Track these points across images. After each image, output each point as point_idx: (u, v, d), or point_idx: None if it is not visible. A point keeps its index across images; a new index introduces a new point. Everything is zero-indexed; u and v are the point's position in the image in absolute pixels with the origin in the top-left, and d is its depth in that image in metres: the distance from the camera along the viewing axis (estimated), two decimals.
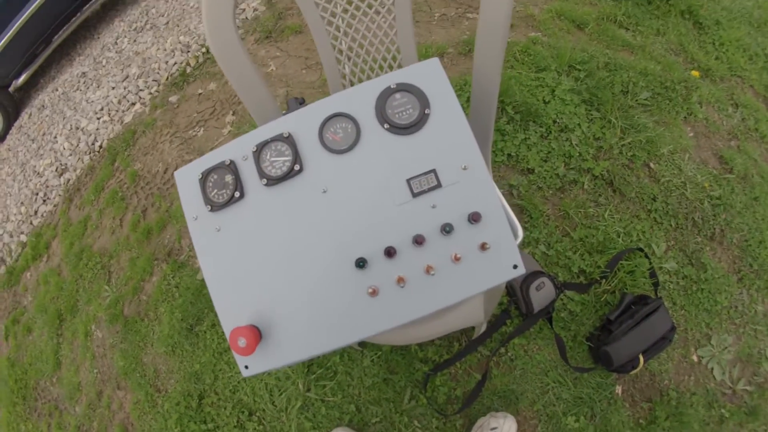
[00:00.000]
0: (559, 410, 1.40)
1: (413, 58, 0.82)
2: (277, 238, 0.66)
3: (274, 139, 0.66)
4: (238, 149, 0.68)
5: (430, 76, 0.67)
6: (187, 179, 0.70)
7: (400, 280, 0.63)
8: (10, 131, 3.78)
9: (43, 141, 3.29)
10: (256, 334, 0.63)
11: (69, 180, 2.83)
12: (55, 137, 3.17)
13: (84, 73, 3.55)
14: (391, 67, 0.84)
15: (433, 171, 0.65)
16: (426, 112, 0.66)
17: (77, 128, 3.03)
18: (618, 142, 1.82)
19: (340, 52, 0.81)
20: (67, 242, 2.49)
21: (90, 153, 2.84)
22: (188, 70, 2.80)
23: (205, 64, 2.79)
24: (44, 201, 2.90)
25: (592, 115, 1.88)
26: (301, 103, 0.71)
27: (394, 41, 0.79)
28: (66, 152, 2.96)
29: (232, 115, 2.42)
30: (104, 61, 3.44)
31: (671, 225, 1.68)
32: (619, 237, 1.61)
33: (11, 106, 3.77)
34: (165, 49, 2.98)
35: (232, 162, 0.67)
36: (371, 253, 0.64)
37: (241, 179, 0.67)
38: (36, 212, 2.89)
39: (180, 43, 2.96)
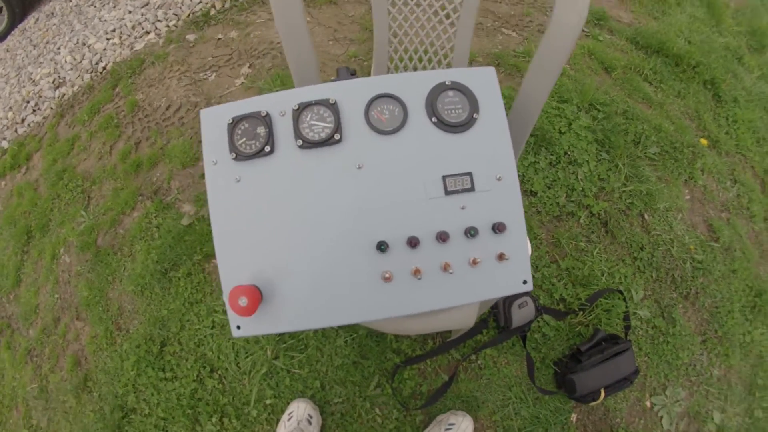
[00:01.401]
0: (515, 425, 1.44)
1: (464, 60, 0.82)
2: (299, 201, 0.64)
3: (318, 103, 0.64)
4: (277, 103, 0.66)
5: (485, 83, 0.68)
6: (213, 120, 0.67)
7: (417, 272, 0.64)
8: (12, 32, 3.60)
9: (45, 49, 3.13)
10: (258, 296, 0.62)
11: (64, 95, 2.71)
12: (59, 48, 3.02)
13: None
14: (439, 63, 0.84)
15: (470, 174, 0.66)
16: (474, 116, 0.66)
17: (84, 44, 2.90)
18: (620, 187, 1.87)
19: (395, 34, 0.80)
20: (50, 158, 2.39)
21: (92, 72, 2.72)
22: (212, 12, 2.70)
23: (231, 11, 2.70)
24: (34, 111, 2.78)
25: (601, 155, 1.93)
26: (353, 74, 0.70)
27: (451, 39, 0.79)
28: (67, 66, 2.83)
29: (249, 68, 2.36)
30: None
31: (652, 276, 1.74)
32: (602, 275, 1.67)
33: (19, 6, 3.59)
34: None
35: (268, 114, 0.65)
36: (394, 239, 0.64)
37: (275, 134, 0.65)
38: (23, 120, 2.76)
39: None
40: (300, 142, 0.64)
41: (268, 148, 0.64)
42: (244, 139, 0.65)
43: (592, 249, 1.72)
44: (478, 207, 0.66)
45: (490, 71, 0.68)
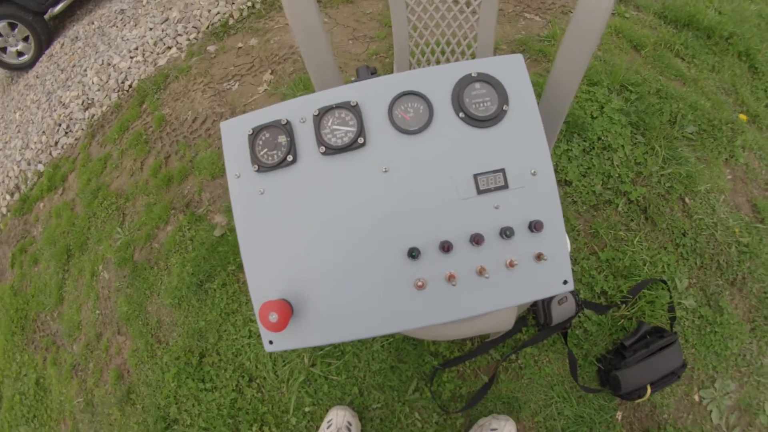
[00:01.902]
0: (558, 425, 1.39)
1: (489, 50, 0.78)
2: (325, 211, 0.62)
3: (339, 106, 0.62)
4: (297, 110, 0.64)
5: (514, 72, 0.64)
6: (234, 132, 0.66)
7: (451, 278, 0.60)
8: (41, 59, 3.76)
9: (72, 72, 3.26)
10: (289, 311, 0.61)
11: (94, 115, 2.81)
12: (85, 70, 3.14)
13: (123, 9, 3.49)
14: (463, 54, 0.80)
15: (502, 171, 0.62)
16: (504, 108, 0.62)
17: (109, 64, 3.00)
18: (658, 170, 1.77)
19: (415, 28, 0.77)
20: (85, 178, 2.48)
21: (119, 91, 2.81)
22: (231, 21, 2.75)
23: (249, 19, 2.74)
24: (66, 133, 2.89)
25: (636, 138, 1.83)
26: (373, 73, 0.67)
27: (474, 28, 0.75)
28: (94, 87, 2.94)
29: (270, 74, 2.38)
30: (145, 0, 3.39)
31: (696, 263, 1.64)
32: (644, 265, 1.58)
33: (44, 34, 3.74)
34: None
35: (288, 122, 0.64)
36: (425, 245, 0.61)
37: (296, 142, 0.63)
38: (57, 143, 2.87)
39: None
40: (323, 148, 0.62)
41: (290, 158, 0.62)
42: (265, 150, 0.63)
43: (632, 238, 1.63)
44: (513, 205, 0.63)
45: (518, 59, 0.64)
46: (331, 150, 0.61)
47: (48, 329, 2.18)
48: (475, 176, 0.62)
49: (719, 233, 1.70)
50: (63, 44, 3.68)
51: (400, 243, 0.61)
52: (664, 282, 1.53)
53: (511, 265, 0.61)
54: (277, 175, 0.63)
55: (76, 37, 3.63)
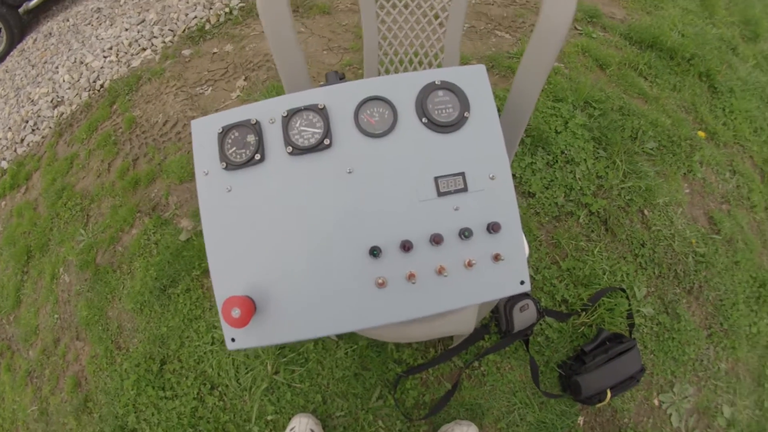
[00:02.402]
0: (521, 431, 1.42)
1: (455, 61, 0.81)
2: (290, 209, 0.63)
3: (307, 108, 0.64)
4: (266, 111, 0.66)
5: (476, 81, 0.67)
6: (204, 131, 0.67)
7: (411, 276, 0.62)
8: (11, 53, 3.65)
9: (43, 69, 3.16)
10: (251, 307, 0.61)
11: (63, 113, 2.72)
12: (57, 68, 3.05)
13: (99, 8, 3.43)
14: (430, 64, 0.83)
15: (462, 174, 0.65)
16: (465, 115, 0.65)
17: (81, 63, 2.93)
18: (618, 184, 1.86)
19: (384, 38, 0.80)
20: (50, 177, 2.40)
21: (90, 90, 2.74)
22: (207, 26, 2.73)
23: (226, 24, 2.73)
24: (33, 130, 2.79)
25: (599, 153, 1.92)
26: (342, 78, 0.69)
27: (441, 40, 0.79)
28: (65, 85, 2.86)
29: (244, 80, 2.37)
30: (122, 1, 3.34)
31: (654, 272, 1.72)
32: (604, 274, 1.65)
33: (17, 27, 3.63)
34: (188, 1, 2.90)
35: (257, 122, 0.65)
36: (387, 244, 0.63)
37: (264, 142, 0.65)
38: (22, 140, 2.77)
39: None
40: (290, 148, 0.63)
41: (258, 156, 0.63)
42: (234, 149, 0.64)
43: (592, 248, 1.70)
44: (472, 207, 0.65)
45: (480, 69, 0.68)
46: (298, 150, 0.63)
47: (3, 333, 2.08)
48: (436, 179, 0.64)
49: (677, 244, 1.78)
50: (36, 40, 3.58)
51: (362, 242, 0.63)
52: (623, 290, 1.59)
53: (470, 264, 0.63)
54: (245, 173, 0.64)
55: (50, 34, 3.53)
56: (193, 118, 2.23)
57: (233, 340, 0.64)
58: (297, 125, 0.63)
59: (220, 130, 0.65)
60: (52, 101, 2.82)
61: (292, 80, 0.79)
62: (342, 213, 0.63)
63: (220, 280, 0.64)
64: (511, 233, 0.66)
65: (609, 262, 1.68)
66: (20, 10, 3.58)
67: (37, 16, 3.88)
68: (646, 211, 1.84)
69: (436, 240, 0.63)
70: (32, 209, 2.35)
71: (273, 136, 0.64)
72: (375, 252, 0.62)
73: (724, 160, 2.16)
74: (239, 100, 2.27)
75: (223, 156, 0.65)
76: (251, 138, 0.64)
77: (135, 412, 1.55)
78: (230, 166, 0.64)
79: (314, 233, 0.63)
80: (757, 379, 1.68)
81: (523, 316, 1.36)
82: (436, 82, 0.65)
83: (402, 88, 0.65)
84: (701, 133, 2.20)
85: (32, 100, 2.93)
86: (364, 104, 0.64)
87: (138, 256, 1.87)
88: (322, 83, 0.68)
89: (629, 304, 1.57)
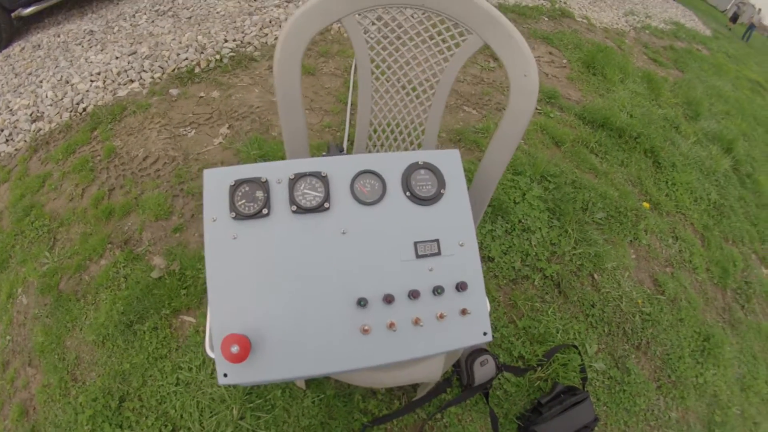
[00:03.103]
0: None
1: (433, 140, 0.96)
2: (289, 260, 0.72)
3: (312, 174, 0.74)
4: (275, 171, 0.75)
5: (451, 163, 0.81)
6: (216, 181, 0.75)
7: (392, 325, 0.72)
8: None
9: (26, 80, 3.12)
10: (249, 345, 0.68)
11: (41, 129, 2.68)
12: (41, 81, 3.02)
13: (92, 31, 3.47)
14: (412, 143, 0.97)
15: (437, 240, 0.77)
16: (441, 191, 0.79)
17: (67, 82, 2.92)
18: (570, 250, 2.05)
19: (375, 117, 0.93)
20: (18, 192, 2.33)
21: (72, 111, 2.73)
22: (197, 70, 2.83)
23: (215, 71, 2.83)
24: (7, 141, 2.71)
25: (553, 222, 2.13)
26: (341, 150, 0.81)
27: (423, 123, 0.93)
28: (47, 101, 2.83)
29: (228, 128, 2.45)
30: (116, 28, 3.41)
31: (604, 330, 1.88)
32: (558, 332, 1.78)
33: (7, 32, 3.59)
34: (180, 42, 3.01)
35: (267, 181, 0.75)
36: (372, 296, 0.73)
37: (271, 199, 0.74)
38: None
39: (197, 41, 3.00)
40: (294, 207, 0.73)
41: (265, 211, 0.72)
42: (243, 201, 0.73)
43: (546, 308, 1.84)
44: (444, 269, 0.77)
45: (455, 153, 0.82)
46: (301, 210, 0.73)
47: None
48: (415, 243, 0.76)
49: (624, 304, 1.96)
50: (23, 48, 3.55)
51: (351, 293, 0.72)
52: (576, 347, 1.72)
53: (441, 317, 0.74)
54: (251, 224, 0.73)
55: (39, 45, 3.52)
56: (174, 157, 2.31)
57: (225, 375, 0.70)
58: (301, 188, 0.74)
59: (233, 182, 0.74)
60: (31, 115, 2.78)
61: (293, 138, 0.90)
62: (335, 267, 0.73)
63: (218, 318, 0.71)
64: (476, 292, 0.78)
65: (562, 322, 1.82)
66: (13, 14, 3.57)
67: (28, 24, 3.86)
68: (595, 275, 2.02)
69: (414, 295, 0.73)
70: None
71: (279, 195, 0.74)
72: (362, 302, 0.71)
73: (667, 227, 2.42)
74: (221, 147, 2.34)
75: (232, 206, 0.73)
76: (260, 194, 0.73)
77: None
78: (239, 216, 0.73)
79: (309, 283, 0.72)
80: (707, 425, 1.81)
81: (483, 371, 1.45)
82: (419, 162, 0.78)
83: (391, 165, 0.78)
84: (646, 204, 2.47)
85: (11, 110, 2.87)
86: (360, 176, 0.76)
87: (105, 287, 1.83)
88: (324, 153, 0.80)
89: (581, 360, 1.70)
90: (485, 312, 0.78)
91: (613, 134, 2.78)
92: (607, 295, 1.97)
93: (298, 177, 0.74)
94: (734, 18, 13.00)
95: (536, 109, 2.85)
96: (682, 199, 2.64)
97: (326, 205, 0.74)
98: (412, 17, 0.84)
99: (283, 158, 2.28)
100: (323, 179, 0.74)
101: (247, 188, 0.74)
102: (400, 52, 0.86)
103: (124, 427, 1.50)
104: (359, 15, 0.82)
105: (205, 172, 0.76)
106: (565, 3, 4.74)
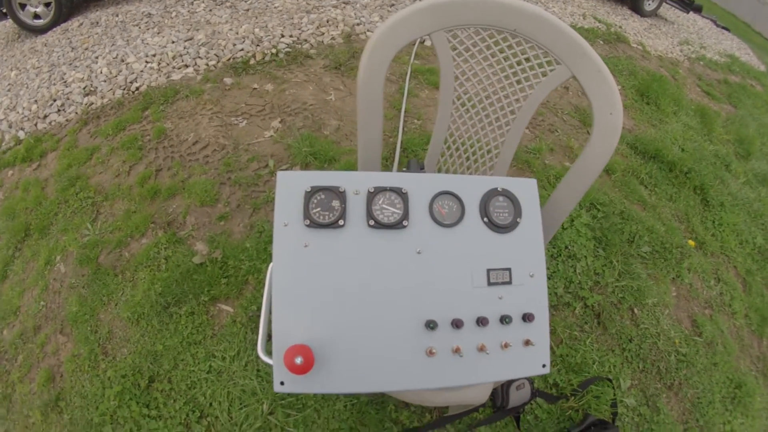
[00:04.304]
0: None
1: (506, 165, 0.94)
2: (361, 274, 0.71)
3: (392, 189, 0.73)
4: (353, 182, 0.74)
5: (528, 193, 0.79)
6: (290, 185, 0.74)
7: (457, 350, 0.71)
8: (55, 29, 3.69)
9: (83, 55, 3.21)
10: (312, 357, 0.67)
11: (92, 103, 2.75)
12: (97, 58, 3.10)
13: (150, 14, 3.56)
14: (484, 164, 0.95)
15: (509, 270, 0.75)
16: (518, 220, 0.77)
17: (122, 60, 3.00)
18: (613, 282, 1.99)
19: (451, 134, 0.92)
20: (66, 162, 2.40)
21: (125, 89, 2.79)
22: (252, 61, 2.86)
23: (270, 64, 2.86)
24: (59, 111, 2.79)
25: (598, 252, 2.07)
26: (422, 168, 0.80)
27: (498, 147, 0.91)
28: (101, 76, 2.91)
29: (280, 122, 2.46)
30: (174, 14, 3.49)
31: (639, 366, 1.82)
32: (594, 364, 1.73)
33: (67, 7, 3.72)
34: (237, 33, 3.06)
35: (344, 191, 0.73)
36: (441, 319, 0.71)
37: (347, 210, 0.73)
38: (45, 117, 2.77)
39: (254, 34, 3.04)
40: (372, 222, 0.72)
41: (341, 222, 0.71)
42: (319, 209, 0.72)
43: (585, 338, 1.80)
44: (513, 298, 0.75)
45: (533, 183, 0.80)
46: (378, 225, 0.72)
47: None
48: (488, 270, 0.74)
49: (661, 342, 1.89)
50: (81, 24, 3.66)
51: (421, 314, 0.71)
52: (610, 380, 1.68)
53: (506, 346, 0.73)
54: (325, 233, 0.72)
55: (97, 23, 3.62)
56: (224, 146, 2.34)
57: (282, 383, 0.69)
58: (380, 202, 0.73)
59: (309, 189, 0.73)
60: (84, 88, 2.85)
61: (368, 148, 0.88)
62: (407, 287, 0.71)
63: (281, 324, 0.70)
64: (541, 324, 0.77)
65: (599, 353, 1.77)
66: None
67: (87, 2, 3.99)
68: (636, 310, 1.95)
69: (483, 322, 0.72)
70: (40, 188, 2.33)
71: (356, 207, 0.73)
72: (432, 325, 0.70)
73: (710, 268, 2.33)
74: (272, 140, 2.36)
75: (307, 213, 0.72)
76: (336, 203, 0.72)
77: (112, 423, 1.50)
78: (313, 224, 0.72)
79: (379, 299, 0.71)
80: None
81: (518, 394, 1.42)
82: (499, 189, 0.76)
83: (471, 188, 0.76)
84: (691, 242, 2.38)
85: (65, 81, 2.96)
86: (439, 196, 0.74)
87: (144, 266, 1.86)
88: (405, 168, 0.79)
89: (614, 394, 1.65)
90: (547, 345, 0.76)
91: (663, 167, 2.70)
92: (646, 331, 1.91)
93: (378, 191, 0.73)
94: None
95: (589, 134, 2.79)
96: (728, 241, 2.53)
97: (404, 223, 0.72)
98: (503, 41, 0.82)
99: (334, 159, 2.31)
100: (403, 196, 0.73)
101: (323, 196, 0.73)
102: (485, 74, 0.84)
103: (152, 408, 1.52)
104: (449, 32, 0.80)
105: (279, 174, 0.75)
106: (620, 27, 4.61)
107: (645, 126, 3.05)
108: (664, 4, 5.88)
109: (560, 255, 1.99)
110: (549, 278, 1.92)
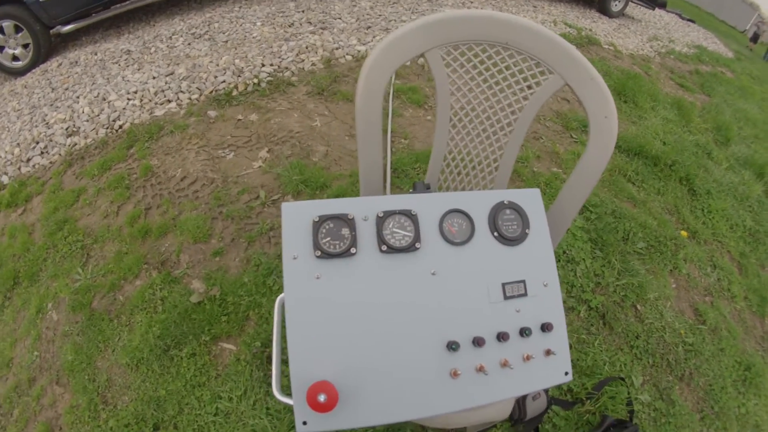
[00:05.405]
0: None
1: (506, 178, 0.94)
2: (377, 302, 0.70)
3: (401, 212, 0.73)
4: (361, 208, 0.73)
5: (533, 202, 0.79)
6: (297, 216, 0.72)
7: (481, 368, 0.70)
8: (34, 70, 3.67)
9: (63, 95, 3.17)
10: (336, 394, 0.64)
11: (76, 144, 2.70)
12: (78, 97, 3.07)
13: (129, 50, 3.55)
14: (484, 178, 0.95)
15: (523, 281, 0.75)
16: (527, 231, 0.77)
17: (104, 99, 2.97)
18: (614, 281, 2.01)
19: (450, 151, 0.92)
20: (52, 205, 2.34)
21: (108, 128, 2.76)
22: (234, 93, 2.85)
23: (253, 94, 2.85)
24: (42, 153, 2.74)
25: (596, 253, 2.10)
26: (428, 188, 0.79)
27: (497, 161, 0.91)
28: (83, 116, 2.87)
29: (267, 152, 2.45)
30: (153, 49, 3.48)
31: (649, 362, 1.82)
32: (605, 365, 1.73)
33: (45, 48, 3.71)
34: (218, 65, 3.06)
35: (353, 218, 0.72)
36: (462, 339, 0.70)
37: (357, 237, 0.72)
38: (29, 160, 2.71)
39: (234, 65, 3.05)
40: (384, 247, 0.70)
41: (353, 250, 0.70)
42: (328, 239, 0.70)
43: (593, 340, 1.80)
44: (530, 309, 0.75)
45: (536, 193, 0.80)
46: (391, 249, 0.71)
47: None
48: (503, 285, 0.73)
49: (667, 335, 1.90)
50: (61, 64, 3.64)
51: (442, 336, 0.70)
52: (622, 379, 1.67)
53: (528, 358, 0.72)
54: (336, 263, 0.70)
55: (76, 62, 3.60)
56: (213, 179, 2.31)
57: (305, 423, 0.67)
58: (390, 226, 0.72)
59: (317, 218, 0.71)
60: (67, 129, 2.80)
61: (370, 171, 0.88)
62: (425, 310, 0.70)
63: (299, 362, 0.67)
64: (560, 332, 0.76)
65: (608, 354, 1.77)
66: (52, 31, 3.68)
67: (65, 41, 3.97)
68: (639, 306, 1.97)
69: (504, 337, 0.71)
70: (27, 234, 2.27)
71: (366, 233, 0.72)
72: (454, 346, 0.69)
73: (705, 256, 2.37)
74: (261, 171, 2.34)
75: (316, 244, 0.70)
76: (346, 231, 0.71)
77: None
78: (323, 255, 0.70)
79: (398, 326, 0.69)
80: None
81: (534, 405, 1.39)
82: (505, 202, 0.77)
83: (478, 204, 0.76)
84: (684, 233, 2.42)
85: (47, 123, 2.91)
86: (448, 215, 0.74)
87: (140, 309, 1.81)
88: (411, 190, 0.78)
89: (628, 392, 1.65)
90: (567, 351, 0.76)
91: (648, 162, 2.76)
92: (651, 326, 1.92)
93: (387, 215, 0.72)
94: (755, 38, 12.95)
95: (572, 137, 2.84)
96: (719, 227, 2.59)
97: (417, 245, 0.71)
98: (495, 54, 0.83)
99: (325, 185, 2.29)
100: (413, 218, 0.72)
101: (331, 225, 0.71)
102: (480, 89, 0.85)
103: None
104: (443, 50, 0.81)
105: (284, 205, 0.73)
106: (590, 30, 4.77)
107: (626, 124, 3.13)
108: (630, 3, 6.10)
109: (559, 260, 2.00)
110: None
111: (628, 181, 2.61)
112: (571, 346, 1.73)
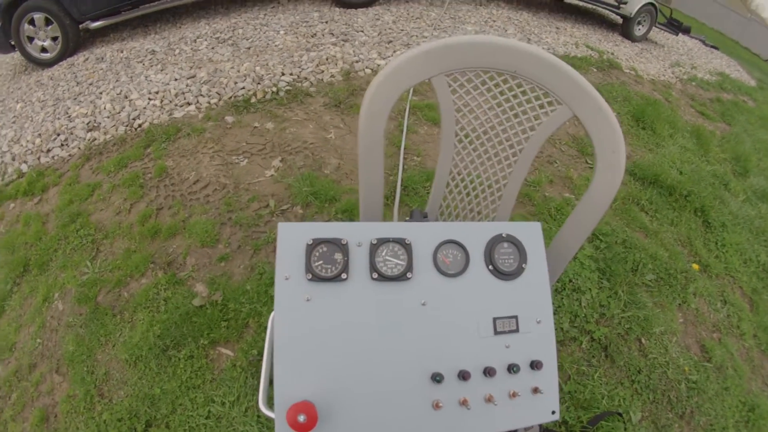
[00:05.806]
0: None
1: (510, 207, 0.93)
2: (365, 328, 0.70)
3: (395, 240, 0.73)
4: (355, 234, 0.73)
5: (532, 237, 0.78)
6: (292, 238, 0.72)
7: (465, 402, 0.69)
8: (61, 63, 3.77)
9: (87, 90, 3.26)
10: (316, 416, 0.65)
11: (95, 139, 2.77)
12: (101, 93, 3.15)
13: (154, 51, 3.64)
14: (487, 207, 0.95)
15: (516, 317, 0.74)
16: (523, 266, 0.76)
17: (126, 97, 3.04)
18: (619, 313, 1.96)
19: (453, 178, 0.92)
20: (67, 197, 2.40)
21: (127, 126, 2.82)
22: (253, 100, 2.89)
23: (270, 103, 2.89)
24: (62, 145, 2.81)
25: (603, 283, 2.05)
26: (425, 217, 0.79)
27: (501, 189, 0.91)
28: (105, 112, 2.94)
29: (280, 161, 2.47)
30: (177, 51, 3.56)
31: (649, 398, 1.77)
32: (603, 398, 1.68)
33: (74, 42, 3.82)
34: (239, 71, 3.12)
35: (347, 243, 0.72)
36: (447, 372, 0.70)
37: (350, 263, 0.72)
38: (49, 151, 2.79)
39: (254, 72, 3.10)
40: (375, 275, 0.70)
41: (344, 276, 0.70)
42: (321, 262, 0.71)
43: (593, 373, 1.76)
44: (521, 346, 0.74)
45: (537, 227, 0.79)
46: (382, 277, 0.71)
47: None
48: (494, 319, 0.73)
49: (671, 371, 1.85)
50: (87, 59, 3.74)
51: (427, 367, 0.69)
52: (620, 415, 1.63)
53: (514, 395, 0.71)
54: (327, 287, 0.70)
55: (102, 58, 3.70)
56: (225, 185, 2.34)
57: None
58: (383, 254, 0.72)
59: (311, 241, 0.72)
60: (88, 124, 2.88)
61: (370, 193, 0.88)
62: (412, 340, 0.70)
63: (283, 382, 0.68)
64: (549, 370, 0.75)
65: (608, 387, 1.72)
66: (81, 26, 3.79)
67: (94, 37, 4.09)
68: (643, 340, 1.92)
69: (490, 372, 0.71)
70: (41, 223, 2.33)
71: (358, 259, 0.72)
72: (438, 378, 0.68)
73: (715, 291, 2.30)
74: (273, 180, 2.36)
75: (308, 267, 0.71)
76: (338, 256, 0.71)
77: None
78: (315, 278, 0.70)
79: (384, 354, 0.69)
80: None
81: None
82: (503, 235, 0.76)
83: (475, 235, 0.75)
84: (695, 266, 2.36)
85: (69, 116, 2.99)
86: (443, 245, 0.74)
87: (143, 307, 1.84)
88: (408, 218, 0.78)
89: (625, 428, 1.60)
90: (556, 391, 0.75)
91: (663, 192, 2.70)
92: (654, 361, 1.87)
93: (381, 242, 0.72)
94: None
95: (587, 162, 2.80)
96: (732, 261, 2.52)
97: (408, 275, 0.71)
98: (503, 82, 0.83)
99: (334, 198, 2.30)
100: (406, 247, 0.72)
101: (325, 249, 0.72)
102: (486, 117, 0.85)
103: None
104: (450, 76, 0.81)
105: (280, 225, 0.73)
106: (612, 54, 4.73)
107: (642, 151, 3.08)
108: (653, 28, 6.05)
109: (564, 289, 1.96)
110: (554, 313, 1.89)
111: (641, 210, 2.56)
112: (569, 378, 1.71)
